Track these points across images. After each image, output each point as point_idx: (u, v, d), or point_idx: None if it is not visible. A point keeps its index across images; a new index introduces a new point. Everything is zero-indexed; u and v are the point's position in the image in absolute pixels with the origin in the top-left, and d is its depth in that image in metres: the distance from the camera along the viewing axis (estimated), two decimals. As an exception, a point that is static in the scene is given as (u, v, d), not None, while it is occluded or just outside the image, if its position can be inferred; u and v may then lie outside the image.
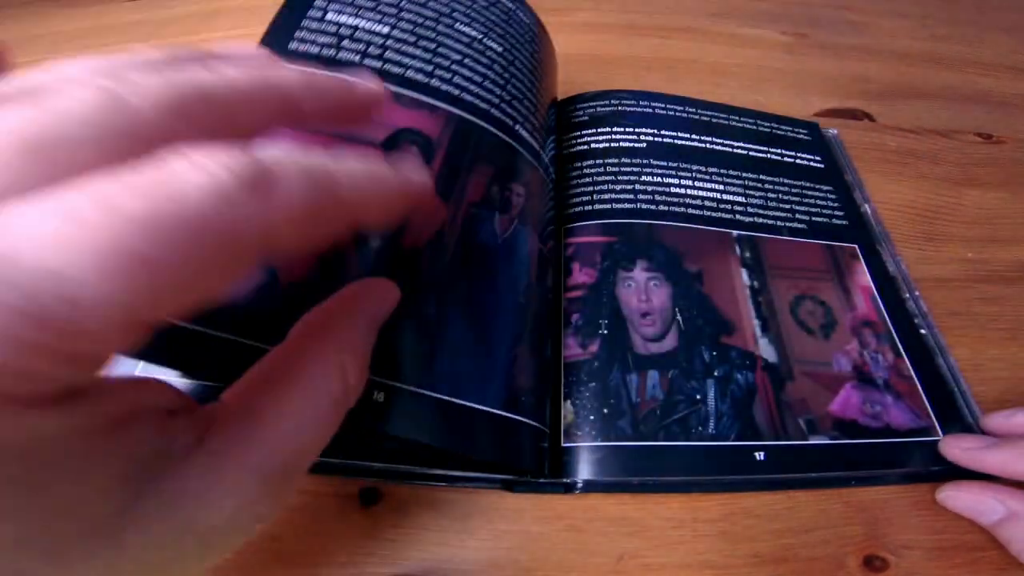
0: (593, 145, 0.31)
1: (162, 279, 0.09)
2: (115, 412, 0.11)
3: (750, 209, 0.29)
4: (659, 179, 0.29)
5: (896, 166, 0.34)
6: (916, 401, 0.23)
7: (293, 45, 0.22)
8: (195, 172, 0.09)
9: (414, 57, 0.23)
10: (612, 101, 0.33)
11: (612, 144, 0.31)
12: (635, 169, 0.29)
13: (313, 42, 0.22)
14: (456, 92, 0.23)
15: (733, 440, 0.22)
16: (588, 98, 0.33)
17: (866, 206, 0.31)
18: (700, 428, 0.22)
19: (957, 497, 0.21)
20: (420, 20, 0.24)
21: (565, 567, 0.20)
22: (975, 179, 0.34)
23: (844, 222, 0.29)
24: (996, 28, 0.46)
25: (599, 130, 0.31)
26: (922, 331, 0.26)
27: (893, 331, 0.25)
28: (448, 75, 0.23)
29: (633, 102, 0.33)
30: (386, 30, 0.23)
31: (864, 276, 0.27)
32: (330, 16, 0.23)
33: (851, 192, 0.31)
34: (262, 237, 0.10)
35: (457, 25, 0.25)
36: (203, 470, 0.11)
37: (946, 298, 0.27)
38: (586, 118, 0.32)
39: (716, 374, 0.23)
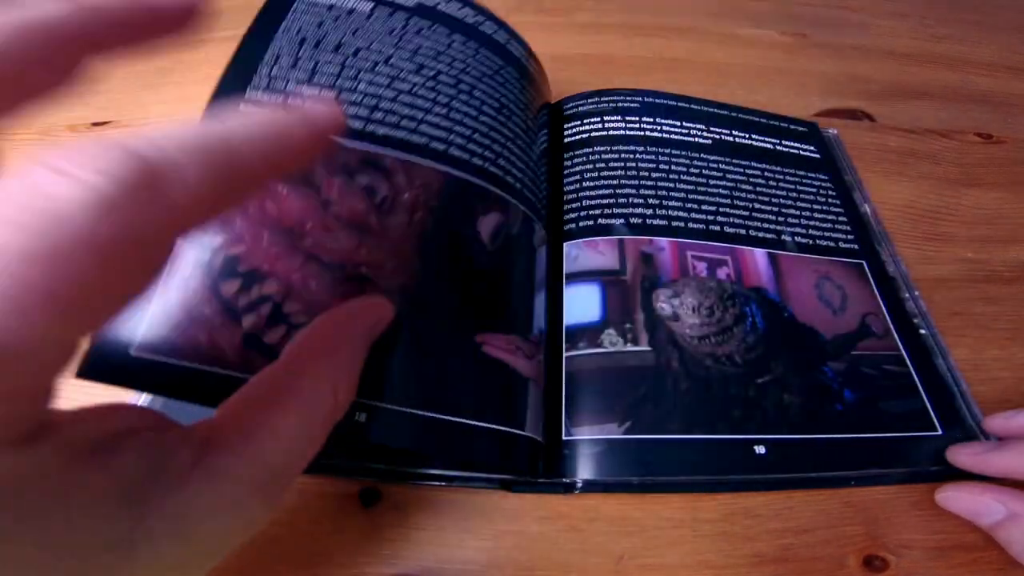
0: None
1: (74, 303, 0.08)
2: (94, 438, 0.11)
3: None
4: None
5: (896, 166, 0.34)
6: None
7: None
8: (66, 185, 0.08)
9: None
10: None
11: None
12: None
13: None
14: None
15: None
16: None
17: (866, 206, 0.31)
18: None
19: (957, 498, 0.21)
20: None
21: (565, 567, 0.20)
22: (975, 179, 0.34)
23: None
24: (996, 28, 0.46)
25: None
26: (922, 331, 0.26)
27: (893, 331, 0.25)
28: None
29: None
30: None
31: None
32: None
33: (851, 193, 0.31)
34: (167, 229, 0.09)
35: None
36: (203, 485, 0.12)
37: (946, 298, 0.27)
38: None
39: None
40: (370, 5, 0.25)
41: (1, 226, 0.08)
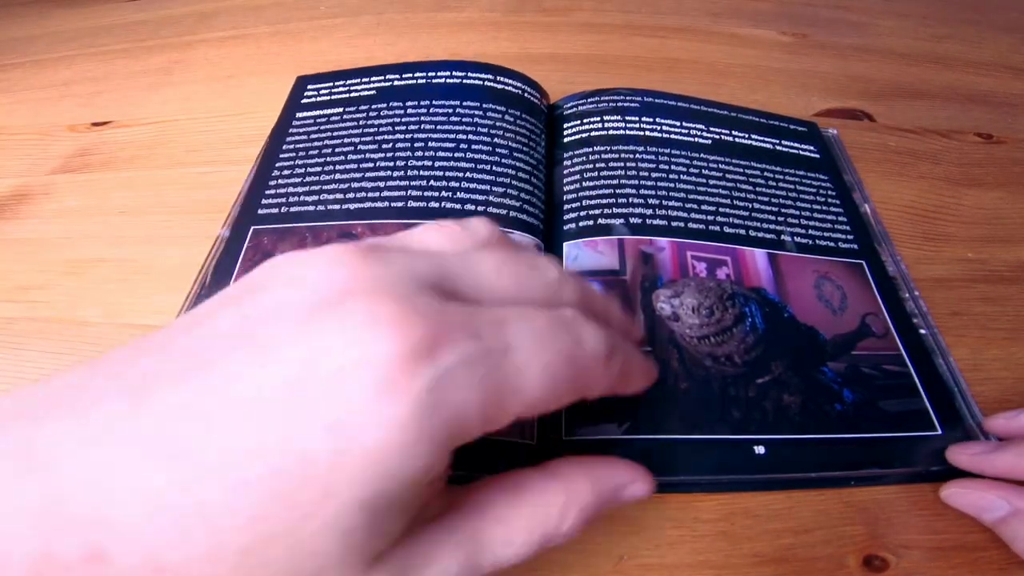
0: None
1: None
2: None
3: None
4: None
5: (896, 166, 0.34)
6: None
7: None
8: (594, 342, 0.14)
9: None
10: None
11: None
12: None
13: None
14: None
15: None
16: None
17: (866, 206, 0.31)
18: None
19: (961, 494, 0.21)
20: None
21: (565, 567, 0.20)
22: (975, 179, 0.34)
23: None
24: (996, 28, 0.46)
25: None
26: (922, 331, 0.26)
27: (893, 331, 0.25)
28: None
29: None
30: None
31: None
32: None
33: (851, 193, 0.31)
34: (592, 385, 0.15)
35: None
36: (430, 545, 0.13)
37: (946, 298, 0.27)
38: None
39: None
40: (339, 110, 0.32)
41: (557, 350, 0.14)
